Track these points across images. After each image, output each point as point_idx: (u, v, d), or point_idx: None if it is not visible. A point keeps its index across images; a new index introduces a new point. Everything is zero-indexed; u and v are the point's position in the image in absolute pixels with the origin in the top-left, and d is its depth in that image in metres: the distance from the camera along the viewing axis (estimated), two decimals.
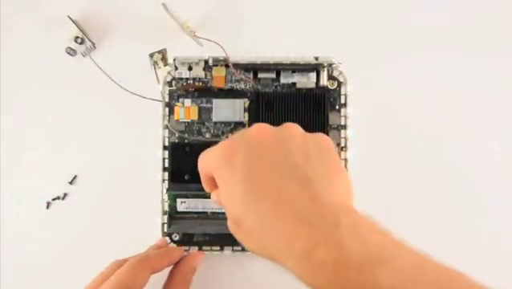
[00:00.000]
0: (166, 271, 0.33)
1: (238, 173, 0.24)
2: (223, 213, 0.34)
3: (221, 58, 0.34)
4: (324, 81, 0.35)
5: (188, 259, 0.34)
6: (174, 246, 0.35)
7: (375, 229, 0.22)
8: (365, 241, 0.21)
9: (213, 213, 0.34)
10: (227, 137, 0.35)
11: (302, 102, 0.34)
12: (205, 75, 0.35)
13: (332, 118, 0.35)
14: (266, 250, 0.23)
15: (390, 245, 0.21)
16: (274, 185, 0.23)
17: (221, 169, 0.25)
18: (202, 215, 0.34)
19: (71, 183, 0.37)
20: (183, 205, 0.34)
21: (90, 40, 0.38)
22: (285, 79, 0.35)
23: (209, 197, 0.30)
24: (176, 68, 0.35)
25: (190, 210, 0.34)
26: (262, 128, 0.26)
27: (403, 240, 0.22)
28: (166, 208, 0.34)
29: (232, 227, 0.25)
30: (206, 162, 0.27)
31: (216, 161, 0.26)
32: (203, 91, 0.35)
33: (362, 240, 0.21)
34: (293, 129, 0.26)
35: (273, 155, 0.24)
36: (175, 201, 0.34)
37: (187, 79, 0.35)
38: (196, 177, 0.34)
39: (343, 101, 0.35)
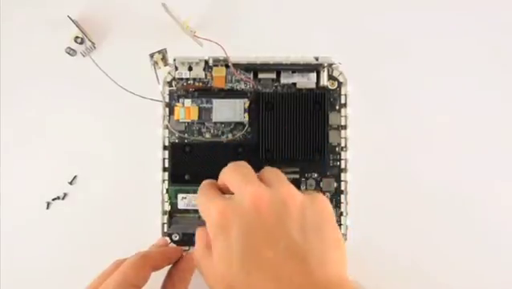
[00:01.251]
0: (164, 271, 0.33)
1: (234, 251, 0.24)
2: None
3: (222, 58, 0.34)
4: (324, 81, 0.35)
5: (188, 259, 0.34)
6: (174, 245, 0.35)
7: None
8: None
9: None
10: (227, 137, 0.35)
11: (303, 102, 0.34)
12: (205, 75, 0.35)
13: (332, 118, 0.35)
14: None
15: None
16: (273, 266, 0.23)
17: (215, 237, 0.25)
18: None
19: (70, 183, 0.37)
20: (184, 201, 0.34)
21: (90, 40, 0.38)
22: (285, 79, 0.35)
23: None
24: (177, 68, 0.35)
25: (191, 208, 0.34)
26: (257, 198, 0.25)
27: None
28: (166, 208, 0.34)
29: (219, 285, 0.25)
30: (202, 212, 0.27)
31: (211, 226, 0.26)
32: (203, 92, 0.35)
33: None
34: (290, 198, 0.26)
35: (269, 230, 0.24)
36: (176, 198, 0.34)
37: (187, 79, 0.35)
38: (196, 178, 0.34)
39: (343, 101, 0.35)
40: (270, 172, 0.28)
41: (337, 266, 0.24)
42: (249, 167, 0.28)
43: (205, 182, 0.29)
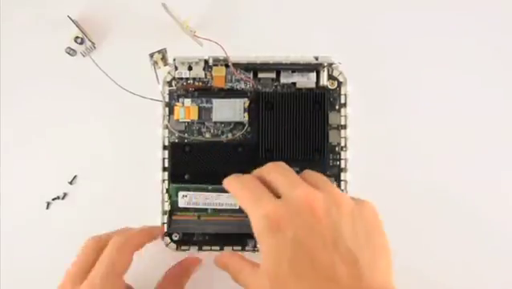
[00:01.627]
0: (161, 272, 0.33)
1: (287, 251, 0.24)
2: (223, 212, 0.34)
3: (221, 58, 0.34)
4: (324, 81, 0.35)
5: (185, 263, 0.34)
6: (174, 246, 0.35)
7: None
8: None
9: (213, 210, 0.34)
10: (227, 137, 0.35)
11: (302, 102, 0.34)
12: (205, 74, 0.35)
13: (332, 118, 0.35)
14: None
15: None
16: (324, 267, 0.24)
17: (264, 240, 0.25)
18: (203, 213, 0.34)
19: (70, 183, 0.37)
20: (184, 199, 0.34)
21: (90, 40, 0.38)
22: (285, 78, 0.35)
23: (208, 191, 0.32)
24: (176, 68, 0.35)
25: (191, 206, 0.34)
26: (311, 198, 0.25)
27: None
28: (166, 208, 0.34)
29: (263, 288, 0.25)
30: (248, 209, 0.27)
31: (257, 228, 0.26)
32: (203, 91, 0.35)
33: None
34: (343, 202, 0.26)
35: (323, 232, 0.25)
36: (177, 196, 0.34)
37: (187, 78, 0.35)
38: (196, 177, 0.34)
39: (343, 101, 0.35)
40: (314, 175, 0.29)
41: (384, 273, 0.25)
42: (289, 167, 0.29)
43: (249, 177, 0.29)
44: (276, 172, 0.28)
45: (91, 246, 0.31)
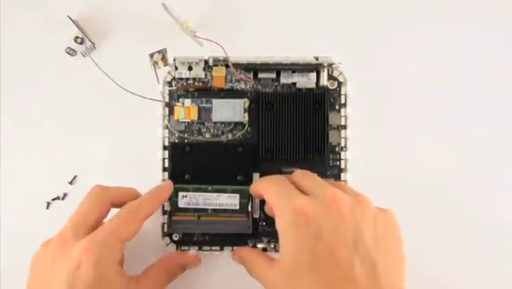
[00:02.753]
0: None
1: (308, 242, 0.25)
2: (223, 212, 0.34)
3: (221, 58, 0.34)
4: (324, 81, 0.35)
5: (182, 254, 0.34)
6: (173, 246, 0.35)
7: None
8: None
9: (213, 210, 0.34)
10: (227, 137, 0.35)
11: (303, 102, 0.34)
12: (205, 75, 0.35)
13: (332, 118, 0.35)
14: None
15: None
16: (342, 265, 0.25)
17: (289, 230, 0.26)
18: (203, 213, 0.34)
19: (70, 183, 0.37)
20: (184, 200, 0.34)
21: (90, 40, 0.38)
22: (285, 79, 0.35)
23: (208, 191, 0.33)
24: (176, 68, 0.35)
25: (191, 207, 0.34)
26: (340, 199, 0.26)
27: None
28: (166, 208, 0.34)
29: (282, 283, 0.26)
30: (276, 206, 0.28)
31: (285, 222, 0.27)
32: (203, 91, 0.35)
33: None
34: (368, 207, 0.27)
35: (347, 233, 0.26)
36: (177, 196, 0.34)
37: (187, 79, 0.35)
38: (196, 177, 0.34)
39: (343, 101, 0.35)
40: (339, 183, 0.31)
41: (400, 278, 0.26)
42: (317, 176, 0.30)
43: (279, 178, 0.30)
44: (304, 177, 0.30)
45: (97, 195, 0.31)
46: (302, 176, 0.30)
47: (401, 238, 0.28)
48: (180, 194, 0.34)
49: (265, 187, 0.30)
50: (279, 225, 0.27)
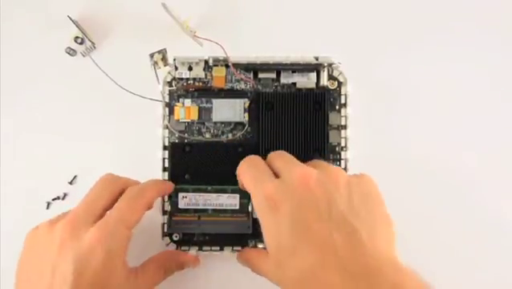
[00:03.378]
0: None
1: (283, 225, 0.25)
2: (223, 212, 0.34)
3: (221, 58, 0.34)
4: (324, 81, 0.35)
5: (180, 252, 0.34)
6: (174, 245, 0.35)
7: (417, 287, 0.22)
8: None
9: (213, 210, 0.34)
10: (227, 137, 0.35)
11: (303, 102, 0.34)
12: (205, 75, 0.35)
13: (332, 118, 0.35)
14: None
15: None
16: (320, 237, 0.24)
17: (264, 218, 0.26)
18: (203, 214, 0.34)
19: (71, 183, 0.37)
20: (184, 200, 0.34)
21: (90, 40, 0.38)
22: (285, 79, 0.35)
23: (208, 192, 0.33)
24: (177, 68, 0.35)
25: (191, 207, 0.34)
26: (306, 175, 0.26)
27: None
28: (166, 208, 0.34)
29: (274, 271, 0.25)
30: (251, 191, 0.28)
31: (258, 208, 0.26)
32: (203, 91, 0.35)
33: None
34: (337, 175, 0.26)
35: (318, 205, 0.25)
36: (177, 196, 0.34)
37: (187, 79, 0.35)
38: (196, 177, 0.34)
39: (343, 101, 0.35)
40: (315, 160, 0.30)
41: (387, 243, 0.25)
42: (291, 155, 0.29)
43: (255, 161, 0.30)
44: (277, 156, 0.29)
45: (109, 183, 0.31)
46: (275, 157, 0.29)
47: (381, 200, 0.27)
48: (180, 195, 0.34)
49: (242, 172, 0.29)
50: (257, 213, 0.27)
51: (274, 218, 0.25)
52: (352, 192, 0.26)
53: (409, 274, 0.23)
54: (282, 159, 0.29)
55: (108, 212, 0.29)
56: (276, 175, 0.28)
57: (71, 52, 0.38)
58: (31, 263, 0.29)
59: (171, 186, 0.33)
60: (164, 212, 0.34)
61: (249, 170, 0.29)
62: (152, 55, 0.33)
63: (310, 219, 0.24)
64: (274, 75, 0.35)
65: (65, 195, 0.37)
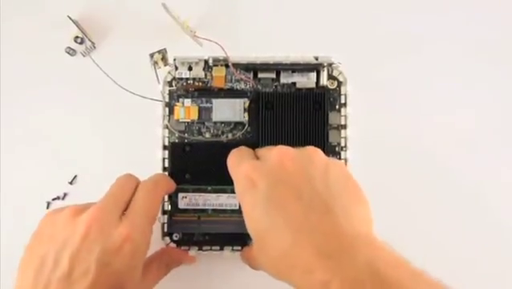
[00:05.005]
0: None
1: (259, 204, 0.25)
2: (223, 212, 0.34)
3: (221, 58, 0.34)
4: (324, 81, 0.35)
5: (180, 250, 0.34)
6: (174, 245, 0.35)
7: (393, 260, 0.22)
8: (381, 275, 0.21)
9: (213, 210, 0.34)
10: (227, 137, 0.35)
11: (302, 102, 0.34)
12: (205, 75, 0.35)
13: (332, 118, 0.35)
14: (284, 277, 0.24)
15: (407, 278, 0.21)
16: (296, 216, 0.24)
17: (243, 198, 0.26)
18: (203, 214, 0.34)
19: (71, 183, 0.37)
20: (184, 200, 0.34)
21: (90, 40, 0.38)
22: (285, 78, 0.35)
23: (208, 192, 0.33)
24: (177, 68, 0.35)
25: (191, 207, 0.34)
26: (283, 154, 0.26)
27: (420, 271, 0.22)
28: (166, 208, 0.34)
29: (258, 256, 0.26)
30: (232, 173, 0.29)
31: (238, 189, 0.27)
32: (203, 91, 0.35)
33: (378, 275, 0.21)
34: (314, 155, 0.27)
35: (294, 183, 0.25)
36: (176, 197, 0.34)
37: (187, 79, 0.35)
38: (196, 177, 0.34)
39: (343, 101, 0.35)
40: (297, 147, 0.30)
41: (364, 221, 0.25)
42: None
43: (241, 148, 0.30)
44: (263, 148, 0.30)
45: (128, 178, 0.30)
46: (263, 147, 0.30)
47: (357, 183, 0.27)
48: (180, 195, 0.34)
49: (228, 160, 0.30)
50: (237, 195, 0.27)
51: (252, 196, 0.25)
52: (329, 172, 0.26)
53: (385, 250, 0.23)
54: (267, 147, 0.29)
55: (131, 206, 0.29)
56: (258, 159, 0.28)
57: (70, 52, 0.38)
58: (48, 243, 0.27)
59: (174, 185, 0.33)
60: (164, 212, 0.34)
61: (233, 156, 0.30)
62: (152, 55, 0.33)
63: (285, 198, 0.24)
64: (273, 75, 0.35)
65: (65, 195, 0.37)
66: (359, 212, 0.25)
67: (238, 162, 0.28)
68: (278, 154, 0.26)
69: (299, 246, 0.23)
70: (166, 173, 0.34)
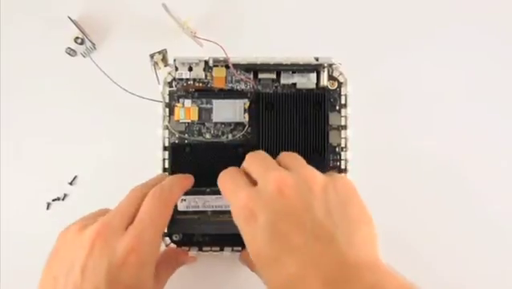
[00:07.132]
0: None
1: (262, 236, 0.24)
2: (223, 213, 0.34)
3: (222, 58, 0.34)
4: (324, 81, 0.35)
5: (178, 250, 0.34)
6: (174, 246, 0.35)
7: (397, 285, 0.22)
8: None
9: (213, 212, 0.34)
10: (227, 138, 0.35)
11: (303, 102, 0.34)
12: (206, 75, 0.35)
13: (332, 118, 0.35)
14: None
15: None
16: (298, 248, 0.23)
17: (243, 228, 0.26)
18: (202, 215, 0.34)
19: (71, 183, 0.37)
20: (183, 203, 0.34)
21: (90, 40, 0.38)
22: (285, 79, 0.35)
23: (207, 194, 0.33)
24: (177, 69, 0.35)
25: (190, 209, 0.34)
26: (281, 182, 0.25)
27: None
28: None
29: (261, 273, 0.25)
30: (229, 200, 0.27)
31: (236, 218, 0.26)
32: (203, 92, 0.35)
33: None
34: (313, 180, 0.26)
35: (295, 214, 0.24)
36: None
37: (187, 79, 0.35)
38: (196, 178, 0.34)
39: (343, 101, 0.35)
40: (288, 156, 0.29)
41: (367, 245, 0.24)
42: (266, 154, 0.29)
43: (231, 169, 0.29)
44: (253, 161, 0.29)
45: (139, 190, 0.30)
46: (251, 162, 0.29)
47: (359, 201, 0.26)
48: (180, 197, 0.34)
49: (220, 185, 0.29)
50: (235, 221, 0.26)
51: (252, 229, 0.25)
52: (329, 197, 0.25)
53: (389, 275, 0.23)
54: (257, 163, 0.28)
55: (137, 216, 0.28)
56: (254, 182, 0.27)
57: (71, 52, 0.38)
58: (59, 263, 0.27)
59: (191, 180, 0.33)
60: None
61: (225, 181, 0.29)
62: (152, 56, 0.33)
63: (288, 230, 0.24)
64: (274, 76, 0.35)
65: (65, 196, 0.37)
66: (362, 235, 0.24)
67: (234, 189, 0.27)
68: (275, 182, 0.25)
69: (304, 276, 0.23)
70: (180, 174, 0.33)
